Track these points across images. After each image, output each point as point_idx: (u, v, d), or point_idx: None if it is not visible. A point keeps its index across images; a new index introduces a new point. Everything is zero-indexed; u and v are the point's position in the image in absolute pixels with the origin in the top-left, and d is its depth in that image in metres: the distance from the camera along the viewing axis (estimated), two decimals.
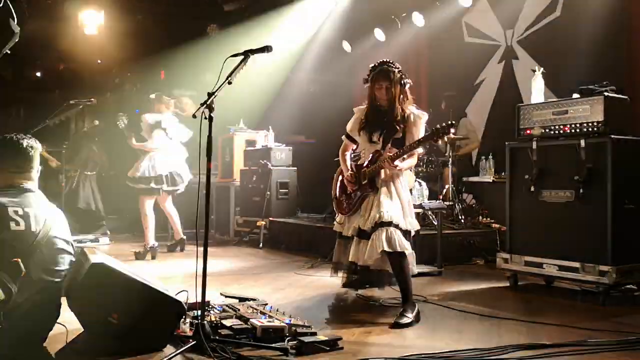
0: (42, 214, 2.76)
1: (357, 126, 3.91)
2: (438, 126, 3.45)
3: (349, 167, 3.95)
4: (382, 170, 3.70)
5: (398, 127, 3.70)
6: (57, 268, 2.76)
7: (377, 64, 3.79)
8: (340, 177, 4.10)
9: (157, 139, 6.25)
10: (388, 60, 3.80)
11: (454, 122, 3.46)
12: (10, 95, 11.10)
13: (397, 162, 3.61)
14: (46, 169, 7.86)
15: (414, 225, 3.72)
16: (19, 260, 2.56)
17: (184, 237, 6.64)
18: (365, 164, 3.81)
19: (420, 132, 3.72)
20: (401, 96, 3.73)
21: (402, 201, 3.70)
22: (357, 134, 3.92)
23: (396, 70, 3.74)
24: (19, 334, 2.61)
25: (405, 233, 3.63)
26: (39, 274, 2.67)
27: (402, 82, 3.73)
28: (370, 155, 3.79)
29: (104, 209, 8.52)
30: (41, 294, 2.68)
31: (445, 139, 3.45)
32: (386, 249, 3.48)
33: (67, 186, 8.01)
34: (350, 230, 3.80)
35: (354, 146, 4.06)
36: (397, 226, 3.55)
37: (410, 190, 3.88)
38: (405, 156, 3.65)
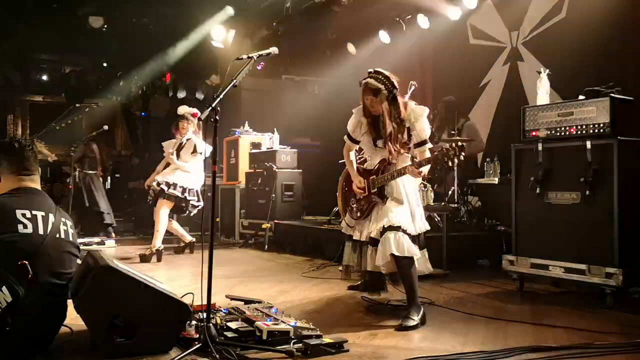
0: (49, 217, 2.78)
1: (358, 129, 3.89)
2: (448, 147, 3.34)
3: (357, 173, 3.93)
4: (392, 181, 3.67)
5: (401, 131, 3.68)
6: (63, 270, 2.78)
7: (366, 76, 3.69)
8: (347, 180, 4.08)
9: (195, 162, 6.36)
10: (376, 70, 3.68)
11: (463, 145, 3.39)
12: (17, 99, 11.17)
13: (422, 169, 3.54)
14: (52, 170, 7.92)
15: (422, 228, 3.73)
16: (26, 262, 2.58)
17: (194, 240, 6.70)
18: (373, 171, 3.80)
19: (424, 127, 3.69)
20: (391, 110, 3.64)
21: (411, 206, 3.69)
22: (360, 136, 3.90)
23: (382, 86, 3.60)
24: (26, 336, 2.62)
25: (415, 237, 3.63)
26: (46, 276, 2.68)
27: (391, 95, 3.62)
28: (378, 164, 3.78)
29: (109, 209, 8.53)
30: (47, 296, 2.69)
31: (456, 160, 3.36)
32: (395, 252, 3.48)
33: (81, 188, 8.07)
34: (364, 237, 3.80)
35: (357, 147, 4.04)
36: (405, 231, 3.54)
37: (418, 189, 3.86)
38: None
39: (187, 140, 6.41)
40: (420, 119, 3.69)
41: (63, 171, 8.56)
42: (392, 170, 3.65)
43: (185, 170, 6.33)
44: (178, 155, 6.40)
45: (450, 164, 3.35)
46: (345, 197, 4.08)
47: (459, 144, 3.35)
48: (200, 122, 6.43)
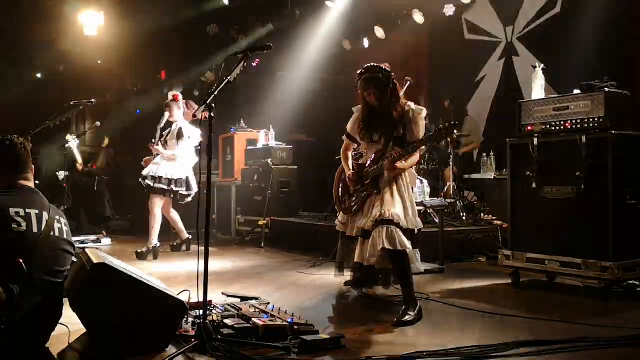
0: (43, 215, 2.76)
1: (356, 126, 3.91)
2: (441, 126, 3.40)
3: (351, 167, 3.94)
4: (386, 171, 3.69)
5: (397, 126, 3.69)
6: (58, 269, 2.77)
7: (362, 71, 3.73)
8: (342, 176, 4.09)
9: (184, 147, 6.22)
10: (373, 64, 3.72)
11: (456, 122, 3.43)
12: (11, 96, 11.11)
13: (397, 164, 3.57)
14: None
15: (415, 224, 3.70)
16: (21, 261, 2.57)
17: (190, 237, 6.67)
18: (367, 164, 3.80)
19: (420, 128, 3.70)
20: (392, 98, 3.68)
21: (405, 200, 3.68)
22: (358, 134, 3.91)
23: (381, 75, 3.66)
24: (21, 335, 2.61)
25: (407, 232, 3.61)
26: (41, 274, 2.67)
27: (391, 83, 3.66)
28: (373, 155, 3.78)
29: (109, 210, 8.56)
30: (43, 294, 2.68)
31: (448, 139, 3.40)
32: (387, 246, 3.46)
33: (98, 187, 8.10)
34: (355, 231, 3.80)
35: (355, 145, 4.07)
36: (398, 225, 3.53)
37: (412, 188, 3.86)
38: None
39: (175, 126, 6.25)
40: (417, 119, 3.69)
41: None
42: (384, 161, 3.64)
43: (172, 158, 6.16)
44: (165, 142, 6.28)
45: (443, 143, 3.38)
46: (340, 193, 4.09)
47: (452, 122, 3.36)
48: (185, 103, 6.34)
